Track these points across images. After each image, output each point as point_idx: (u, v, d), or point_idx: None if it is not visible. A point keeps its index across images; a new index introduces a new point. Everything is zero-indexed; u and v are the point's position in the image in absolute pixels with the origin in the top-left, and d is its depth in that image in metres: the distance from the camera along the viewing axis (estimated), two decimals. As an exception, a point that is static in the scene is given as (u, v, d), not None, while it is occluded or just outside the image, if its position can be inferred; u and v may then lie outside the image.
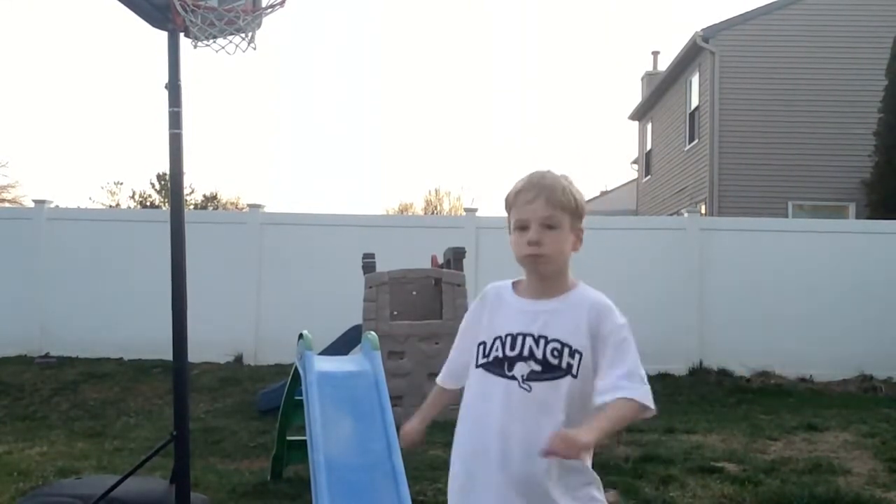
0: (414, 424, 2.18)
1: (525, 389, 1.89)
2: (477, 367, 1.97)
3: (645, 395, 1.85)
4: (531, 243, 1.91)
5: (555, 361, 1.89)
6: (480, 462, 1.92)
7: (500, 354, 1.93)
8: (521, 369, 1.90)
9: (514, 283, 2.05)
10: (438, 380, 2.19)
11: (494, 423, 1.90)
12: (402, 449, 2.32)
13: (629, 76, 56.89)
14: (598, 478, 1.98)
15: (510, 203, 1.98)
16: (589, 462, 1.95)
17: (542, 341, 1.90)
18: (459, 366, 2.09)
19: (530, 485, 1.87)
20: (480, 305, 2.06)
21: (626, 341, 1.89)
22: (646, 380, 1.88)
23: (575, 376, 1.88)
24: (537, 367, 1.89)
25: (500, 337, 1.95)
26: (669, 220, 13.66)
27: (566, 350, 1.89)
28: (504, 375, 1.91)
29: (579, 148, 56.67)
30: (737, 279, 9.70)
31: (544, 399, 1.87)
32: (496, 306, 2.02)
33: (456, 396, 2.12)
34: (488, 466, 1.90)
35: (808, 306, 9.56)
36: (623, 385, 1.83)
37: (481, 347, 1.98)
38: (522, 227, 1.93)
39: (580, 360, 1.88)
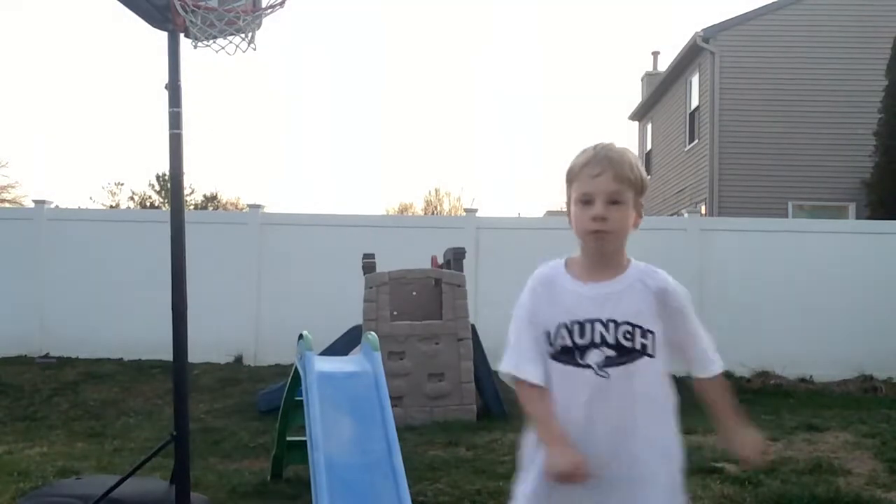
0: (572, 452, 1.79)
1: (603, 377, 1.84)
2: (550, 358, 1.89)
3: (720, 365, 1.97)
4: (596, 219, 1.84)
5: (628, 344, 1.85)
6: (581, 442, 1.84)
7: (569, 343, 1.86)
8: (594, 357, 1.85)
9: (566, 263, 1.96)
10: (528, 378, 1.88)
11: (580, 416, 1.84)
12: (573, 478, 1.82)
13: (629, 76, 56.90)
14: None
15: (574, 175, 1.90)
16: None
17: (611, 325, 1.85)
18: (537, 358, 1.89)
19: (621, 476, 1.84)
20: (533, 292, 1.93)
21: (691, 311, 1.94)
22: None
23: (652, 356, 1.86)
24: (611, 353, 1.85)
25: (566, 324, 1.87)
26: (669, 220, 13.66)
27: (638, 331, 1.85)
28: (577, 364, 1.85)
29: (580, 148, 56.56)
30: (737, 279, 9.70)
31: (624, 384, 1.84)
32: (554, 291, 1.91)
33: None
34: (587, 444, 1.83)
35: (808, 306, 9.56)
36: (713, 358, 1.95)
37: (548, 337, 1.88)
38: (586, 202, 1.86)
39: (653, 339, 1.86)
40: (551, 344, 1.88)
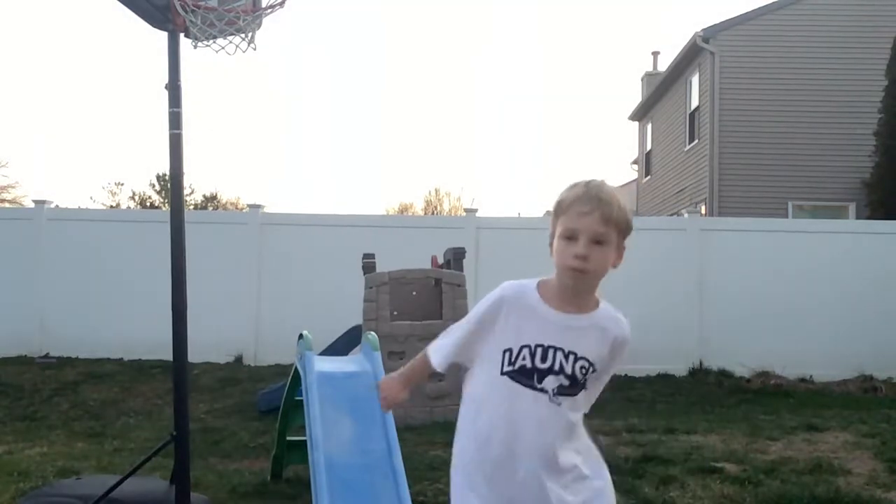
0: (398, 383, 2.19)
1: (555, 404, 1.92)
2: (502, 374, 1.94)
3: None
4: (578, 257, 1.87)
5: (581, 378, 1.94)
6: (505, 471, 1.93)
7: (529, 364, 1.92)
8: (551, 383, 1.91)
9: (538, 286, 1.99)
10: (432, 357, 2.11)
11: (527, 435, 1.91)
12: (382, 405, 2.26)
13: (629, 76, 56.89)
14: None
15: (562, 209, 1.93)
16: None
17: (571, 357, 1.92)
18: (454, 355, 2.06)
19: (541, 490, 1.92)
20: (497, 305, 1.98)
21: (615, 367, 2.04)
22: None
23: (586, 389, 1.98)
24: (566, 382, 1.92)
25: (529, 346, 1.92)
26: (669, 221, 13.67)
27: (591, 369, 1.94)
28: (532, 387, 1.91)
29: (579, 148, 56.67)
30: (737, 279, 9.70)
31: (568, 414, 1.94)
32: (523, 312, 1.95)
33: (428, 376, 2.22)
34: (513, 475, 1.92)
35: (808, 306, 9.57)
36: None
37: (507, 354, 1.93)
38: (570, 237, 1.89)
39: (594, 376, 1.98)
40: (511, 363, 1.93)
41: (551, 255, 1.97)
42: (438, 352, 2.10)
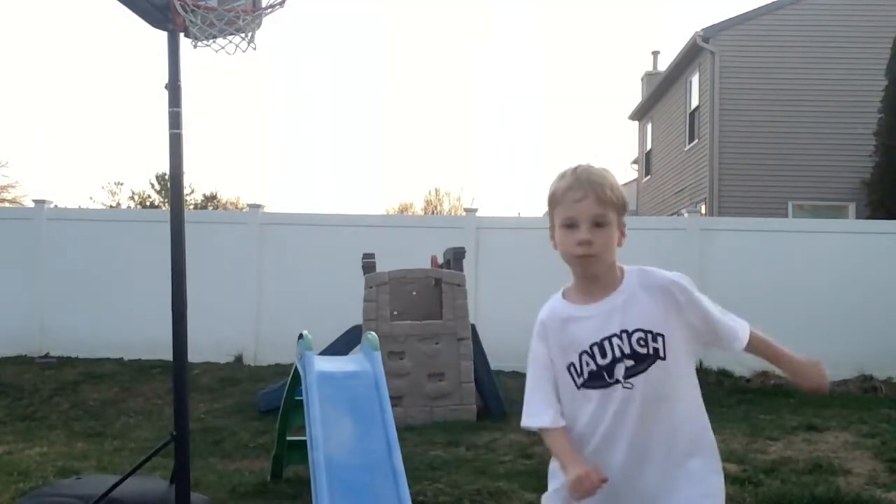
0: (588, 468, 1.85)
1: (628, 388, 1.89)
2: (579, 388, 1.94)
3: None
4: (582, 243, 1.88)
5: (643, 350, 1.90)
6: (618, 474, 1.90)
7: (594, 367, 1.92)
8: (619, 371, 1.90)
9: (564, 294, 2.00)
10: (552, 425, 1.95)
11: (604, 430, 1.91)
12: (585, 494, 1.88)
13: (629, 76, 56.89)
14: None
15: (557, 200, 1.94)
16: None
17: (624, 336, 1.90)
18: (556, 402, 1.98)
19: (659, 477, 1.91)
20: (542, 336, 1.99)
21: (696, 295, 1.97)
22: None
23: (664, 358, 1.90)
24: (630, 363, 1.90)
25: (587, 351, 1.92)
26: (669, 220, 13.66)
27: (649, 336, 1.90)
28: (608, 383, 1.91)
29: (579, 148, 56.65)
30: (737, 279, 9.68)
31: (647, 392, 1.89)
32: (563, 324, 1.96)
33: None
34: (624, 475, 1.91)
35: (808, 306, 9.55)
36: (737, 327, 2.05)
37: (572, 369, 1.94)
38: (570, 225, 1.90)
39: (663, 342, 1.90)
40: (580, 374, 1.93)
41: (555, 247, 1.97)
42: (546, 413, 1.96)
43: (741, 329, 2.01)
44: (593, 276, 1.94)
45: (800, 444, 5.97)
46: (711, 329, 1.97)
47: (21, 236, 10.08)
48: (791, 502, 4.38)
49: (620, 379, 1.89)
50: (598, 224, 1.89)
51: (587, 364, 1.92)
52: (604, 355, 1.91)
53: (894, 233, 9.89)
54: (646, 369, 1.89)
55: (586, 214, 1.88)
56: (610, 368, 1.90)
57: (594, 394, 1.92)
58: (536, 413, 1.97)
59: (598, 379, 1.91)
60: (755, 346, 2.03)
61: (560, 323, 1.97)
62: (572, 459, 1.88)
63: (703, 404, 2.03)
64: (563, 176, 1.95)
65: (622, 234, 1.94)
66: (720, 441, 6.30)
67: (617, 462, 1.90)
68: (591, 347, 1.91)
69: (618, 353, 1.90)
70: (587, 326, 1.93)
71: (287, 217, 10.59)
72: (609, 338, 1.90)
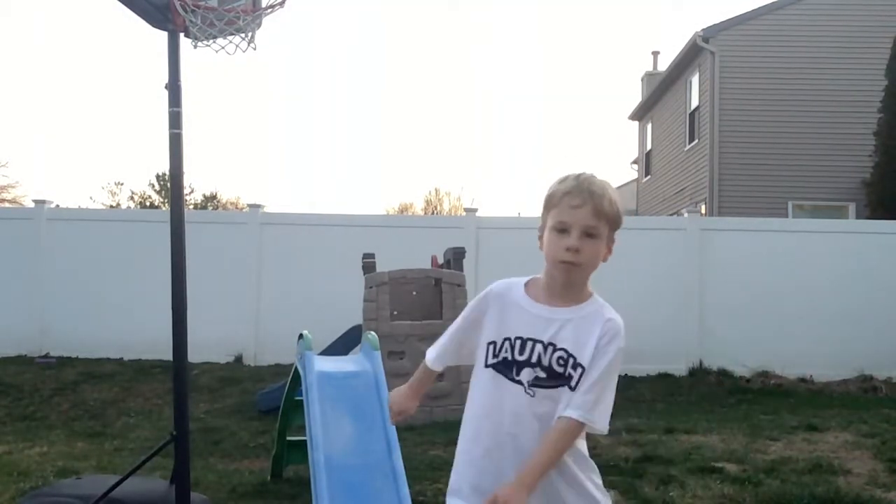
0: (406, 393, 2.20)
1: (529, 395, 1.90)
2: (486, 366, 1.95)
3: (592, 418, 1.86)
4: (570, 250, 1.87)
5: (559, 370, 1.89)
6: (493, 460, 1.92)
7: (509, 357, 1.93)
8: (527, 375, 1.90)
9: (526, 284, 2.01)
10: (428, 360, 2.15)
11: (505, 425, 1.91)
12: (392, 418, 2.28)
13: (629, 76, 56.89)
14: (595, 466, 2.00)
15: (554, 202, 1.93)
16: (585, 450, 1.98)
17: (550, 349, 1.90)
18: (448, 352, 2.10)
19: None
20: (484, 301, 2.01)
21: (611, 368, 1.89)
22: (606, 408, 1.90)
23: (573, 389, 1.88)
24: (542, 374, 1.89)
25: (510, 339, 1.93)
26: (669, 220, 13.65)
27: (571, 360, 1.89)
28: (511, 379, 1.92)
29: (579, 148, 56.65)
30: (737, 279, 9.69)
31: (545, 407, 1.89)
32: (506, 306, 1.97)
33: (434, 379, 2.22)
34: (501, 465, 1.90)
35: (808, 306, 9.56)
36: (579, 404, 1.85)
37: (491, 347, 1.95)
38: (562, 230, 1.90)
39: (580, 374, 1.88)
40: (495, 355, 1.95)
41: (541, 248, 1.97)
42: (432, 350, 2.14)
43: (574, 413, 1.85)
44: (566, 285, 1.93)
45: (800, 444, 5.97)
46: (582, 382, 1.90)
47: (21, 236, 10.08)
48: (791, 502, 4.38)
49: (524, 383, 1.90)
50: (590, 235, 1.89)
51: (506, 350, 1.93)
52: (521, 352, 1.91)
53: (894, 233, 9.90)
54: (553, 387, 1.88)
55: (580, 222, 1.88)
56: (519, 367, 1.90)
57: (495, 378, 1.93)
58: (434, 348, 2.14)
59: (507, 369, 1.92)
60: (552, 428, 1.87)
61: (506, 303, 1.97)
62: (407, 386, 2.18)
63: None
64: (564, 180, 1.95)
65: (609, 250, 1.94)
66: (720, 441, 6.32)
67: (507, 461, 1.89)
68: (514, 338, 1.92)
69: (534, 359, 1.90)
70: (525, 319, 1.93)
71: (287, 217, 10.59)
72: (534, 340, 1.91)
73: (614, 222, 1.93)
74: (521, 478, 1.80)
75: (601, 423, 1.89)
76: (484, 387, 1.96)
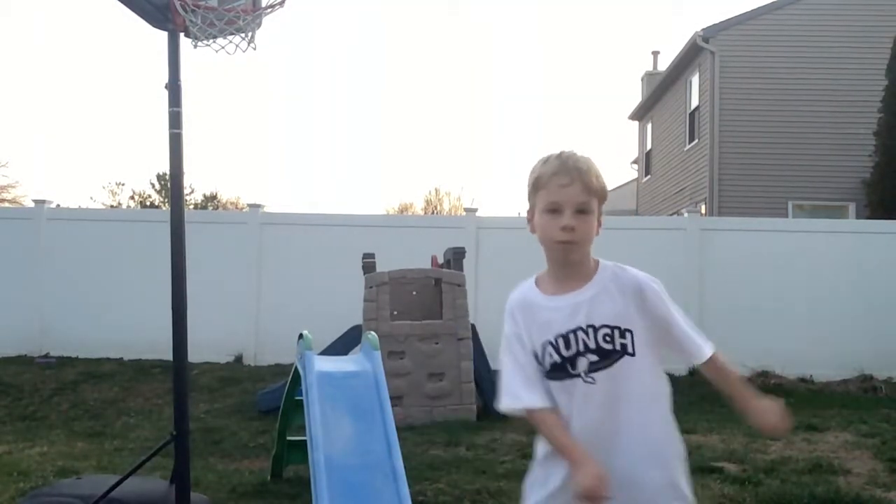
0: (595, 466, 1.79)
1: (590, 382, 1.88)
2: (544, 378, 1.94)
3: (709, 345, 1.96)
4: (566, 229, 1.88)
5: (608, 347, 1.88)
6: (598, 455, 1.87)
7: (557, 359, 1.91)
8: (581, 365, 1.89)
9: (536, 281, 2.00)
10: (538, 406, 1.91)
11: (590, 421, 1.88)
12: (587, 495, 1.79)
13: (629, 76, 56.88)
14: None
15: (542, 184, 1.92)
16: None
17: (591, 331, 1.89)
18: (537, 382, 1.93)
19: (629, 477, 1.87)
20: (512, 318, 1.98)
21: (667, 302, 1.94)
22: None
23: (632, 354, 1.88)
24: (594, 358, 1.89)
25: (552, 341, 1.91)
26: (669, 220, 13.65)
27: (616, 332, 1.88)
28: (570, 375, 1.90)
29: (580, 148, 56.52)
30: (737, 279, 9.69)
31: (609, 387, 1.88)
32: (531, 311, 1.95)
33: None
34: (609, 456, 1.88)
35: (808, 306, 9.56)
36: (700, 342, 1.93)
37: (535, 358, 1.94)
38: (554, 210, 1.89)
39: (632, 337, 1.89)
40: (540, 363, 1.93)
41: (532, 231, 1.96)
42: (526, 399, 1.92)
43: (706, 345, 1.94)
44: (569, 264, 1.93)
45: (800, 444, 5.98)
46: (675, 336, 1.93)
47: (21, 236, 10.09)
48: (791, 502, 4.38)
49: (582, 373, 1.88)
50: (582, 211, 1.89)
51: (550, 355, 1.91)
52: (568, 347, 1.90)
53: (894, 233, 9.89)
54: (610, 365, 1.88)
55: (572, 200, 1.88)
56: (573, 360, 1.89)
57: (556, 385, 1.92)
58: (520, 394, 1.92)
59: (560, 370, 1.90)
60: (716, 368, 1.95)
61: (529, 309, 1.96)
62: (577, 455, 1.81)
63: (670, 413, 1.98)
64: (547, 160, 1.94)
65: (600, 224, 1.95)
66: (720, 441, 6.32)
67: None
68: (555, 339, 1.91)
69: (581, 347, 1.89)
70: (554, 317, 1.92)
71: (287, 217, 10.60)
72: (574, 331, 1.89)
73: (602, 196, 1.94)
74: (750, 395, 1.94)
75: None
76: (557, 397, 1.92)
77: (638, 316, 1.90)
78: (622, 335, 1.88)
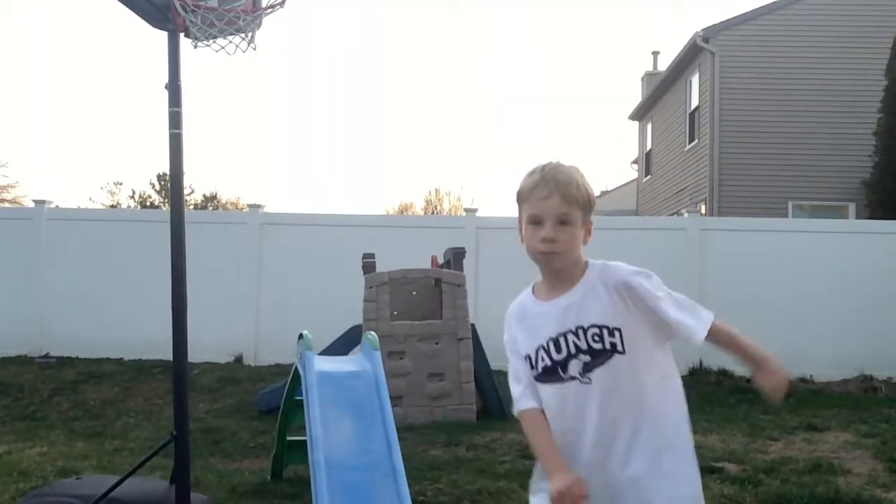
0: (570, 475, 1.86)
1: (587, 383, 1.92)
2: (536, 380, 2.00)
3: (706, 317, 1.97)
4: (546, 240, 1.92)
5: (598, 346, 1.91)
6: (597, 452, 1.94)
7: (549, 362, 1.95)
8: (575, 367, 1.93)
9: (533, 288, 2.06)
10: (523, 408, 2.00)
11: (566, 426, 1.94)
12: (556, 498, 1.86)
13: (629, 76, 56.88)
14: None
15: (523, 198, 1.98)
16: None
17: (580, 332, 1.93)
18: (529, 385, 2.01)
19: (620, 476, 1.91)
20: (508, 327, 2.07)
21: (654, 290, 1.94)
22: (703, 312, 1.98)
23: (622, 352, 1.91)
24: (587, 358, 1.92)
25: (543, 346, 1.96)
26: (669, 220, 13.65)
27: (605, 331, 1.91)
28: (562, 379, 1.94)
29: (579, 148, 56.66)
30: (737, 279, 9.68)
31: (606, 385, 1.91)
32: (524, 319, 2.03)
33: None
34: (608, 454, 1.93)
35: (808, 306, 9.55)
36: (692, 323, 1.94)
37: (528, 361, 1.99)
38: (536, 222, 1.94)
39: (620, 336, 1.91)
40: (533, 367, 1.98)
41: (521, 241, 2.01)
42: (525, 398, 2.02)
43: (698, 325, 1.94)
44: (556, 272, 1.97)
45: (800, 444, 5.98)
46: (670, 325, 1.95)
47: (21, 236, 10.08)
48: (791, 502, 4.37)
49: (576, 375, 1.92)
50: (563, 222, 1.92)
51: (542, 359, 1.96)
52: (559, 350, 1.94)
53: (894, 233, 9.89)
54: (603, 363, 1.91)
55: (551, 212, 1.91)
56: (564, 364, 1.93)
57: (548, 389, 1.96)
58: (517, 399, 2.02)
59: (552, 374, 1.95)
60: (718, 339, 1.97)
61: (522, 316, 2.03)
62: (554, 465, 1.89)
63: (681, 399, 2.03)
64: (531, 173, 1.99)
65: (588, 232, 1.98)
66: (720, 441, 6.32)
67: (582, 457, 1.93)
68: (547, 343, 1.95)
69: (573, 350, 1.92)
70: (546, 321, 1.96)
71: (287, 217, 10.59)
72: (564, 334, 1.93)
73: (586, 205, 1.96)
74: (763, 355, 2.00)
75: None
76: (549, 400, 1.98)
77: (626, 311, 1.92)
78: (611, 334, 1.91)
